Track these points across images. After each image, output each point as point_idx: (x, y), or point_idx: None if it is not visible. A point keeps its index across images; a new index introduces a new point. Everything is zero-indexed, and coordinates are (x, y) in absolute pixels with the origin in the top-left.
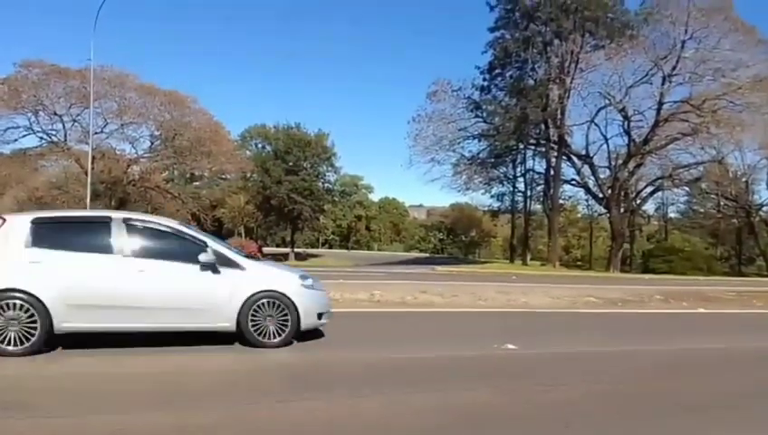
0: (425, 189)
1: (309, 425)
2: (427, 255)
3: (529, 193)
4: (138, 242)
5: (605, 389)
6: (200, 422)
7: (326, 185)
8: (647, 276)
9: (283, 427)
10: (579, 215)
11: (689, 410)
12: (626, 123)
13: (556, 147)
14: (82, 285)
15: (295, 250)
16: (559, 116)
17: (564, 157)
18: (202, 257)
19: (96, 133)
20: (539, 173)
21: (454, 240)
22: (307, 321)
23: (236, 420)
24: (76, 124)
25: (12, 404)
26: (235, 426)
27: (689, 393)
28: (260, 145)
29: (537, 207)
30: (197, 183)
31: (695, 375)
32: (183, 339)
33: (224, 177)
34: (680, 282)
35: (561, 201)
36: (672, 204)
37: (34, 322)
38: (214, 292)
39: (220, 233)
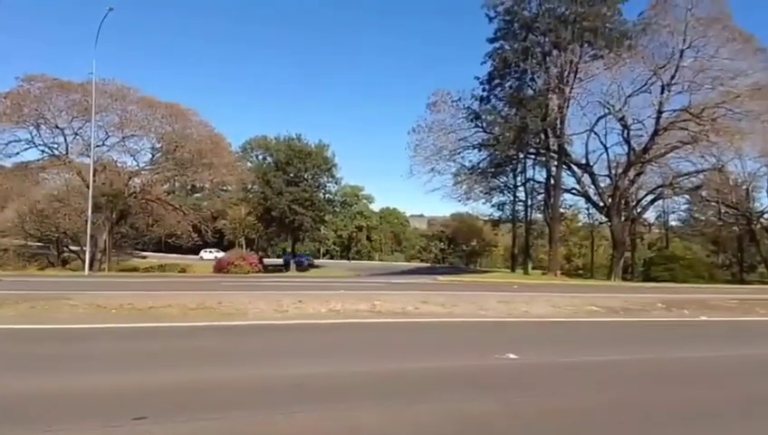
0: (425, 199)
1: None
2: (429, 264)
3: (529, 202)
4: None
5: (609, 398)
6: None
7: (327, 195)
8: (648, 285)
9: None
10: (580, 224)
11: (699, 418)
12: (625, 132)
13: (556, 156)
14: None
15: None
16: (558, 125)
17: (564, 166)
18: None
19: (97, 146)
20: (539, 182)
21: (455, 250)
22: None
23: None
24: (77, 137)
25: None
26: None
27: (697, 401)
28: (261, 156)
29: (538, 216)
30: (198, 195)
31: (701, 383)
32: None
33: (225, 188)
34: (682, 290)
35: (561, 210)
36: (673, 212)
37: None
38: None
39: (221, 244)
